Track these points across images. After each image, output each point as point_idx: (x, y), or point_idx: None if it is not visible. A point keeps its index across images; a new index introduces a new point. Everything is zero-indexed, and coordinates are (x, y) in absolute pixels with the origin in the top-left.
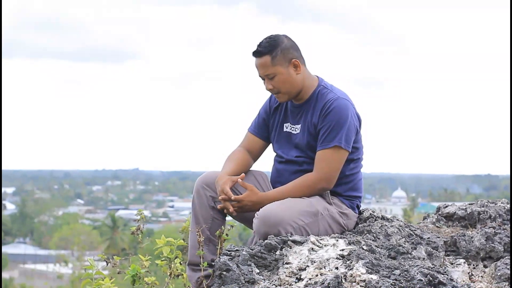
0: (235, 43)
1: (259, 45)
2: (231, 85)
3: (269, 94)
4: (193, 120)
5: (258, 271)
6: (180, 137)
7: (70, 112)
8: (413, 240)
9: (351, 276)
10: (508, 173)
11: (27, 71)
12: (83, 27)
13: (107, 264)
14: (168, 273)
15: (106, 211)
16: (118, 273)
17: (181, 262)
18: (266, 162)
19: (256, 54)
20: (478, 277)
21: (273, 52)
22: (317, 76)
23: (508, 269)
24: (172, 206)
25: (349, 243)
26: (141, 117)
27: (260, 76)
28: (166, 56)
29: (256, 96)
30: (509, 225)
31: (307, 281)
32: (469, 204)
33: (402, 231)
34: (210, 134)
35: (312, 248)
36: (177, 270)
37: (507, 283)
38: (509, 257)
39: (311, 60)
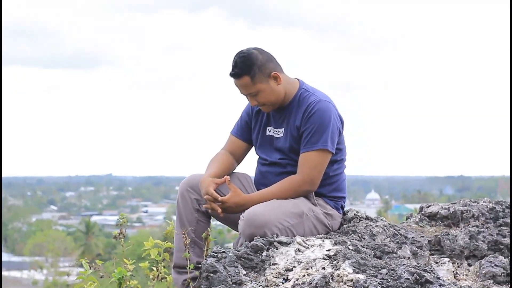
0: (207, 48)
1: (234, 66)
2: (205, 90)
3: None
4: (166, 125)
5: (245, 272)
6: (153, 142)
7: (42, 118)
8: (398, 240)
9: (338, 276)
10: (481, 174)
11: None
12: (54, 33)
13: (90, 268)
14: (155, 276)
15: (79, 217)
16: (101, 277)
17: (164, 266)
18: (249, 164)
19: (234, 76)
20: (463, 275)
21: (251, 71)
22: (297, 79)
23: (492, 267)
24: (146, 211)
25: (335, 243)
26: (114, 123)
27: (242, 93)
28: (138, 62)
29: (229, 100)
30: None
31: (294, 281)
32: (452, 204)
33: (387, 231)
34: (183, 139)
35: (298, 249)
36: (160, 273)
37: (491, 281)
38: (493, 255)
39: (285, 65)
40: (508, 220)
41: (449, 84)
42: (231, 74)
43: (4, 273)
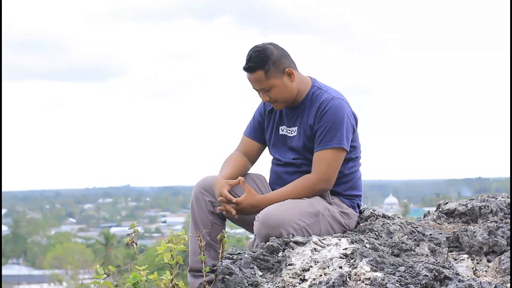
0: (219, 55)
1: (249, 60)
2: (218, 97)
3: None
4: (182, 134)
5: (261, 273)
6: (170, 152)
7: (58, 131)
8: (415, 237)
9: (355, 275)
10: (499, 175)
11: (11, 92)
12: (65, 46)
13: (108, 276)
14: (168, 283)
15: (98, 229)
16: (116, 286)
17: (176, 274)
18: (264, 165)
19: (248, 69)
20: (482, 271)
21: (265, 66)
22: (310, 77)
23: None
24: (165, 222)
25: (352, 242)
26: (130, 134)
27: (254, 89)
28: (152, 72)
29: (243, 106)
30: (510, 226)
31: (311, 281)
32: (470, 200)
33: (404, 228)
34: (200, 147)
35: (314, 249)
36: (172, 281)
37: None
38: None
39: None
40: None
41: (466, 86)
42: (245, 68)
43: (24, 286)
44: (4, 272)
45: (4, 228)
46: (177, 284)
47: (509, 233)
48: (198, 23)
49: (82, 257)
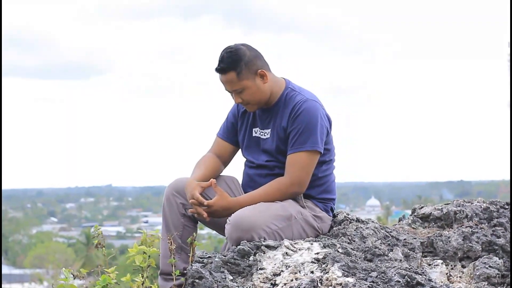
0: (203, 54)
1: (221, 61)
2: (203, 97)
3: None
4: (164, 133)
5: (231, 277)
6: (152, 152)
7: (40, 130)
8: (389, 242)
9: (327, 280)
10: (481, 178)
11: None
12: (50, 43)
13: (74, 279)
14: (140, 285)
15: (80, 228)
16: None
17: (147, 276)
18: (238, 167)
19: (220, 71)
20: (457, 277)
21: (237, 67)
22: (284, 79)
23: (486, 268)
24: (147, 222)
25: (324, 246)
26: (112, 133)
27: (227, 90)
28: (135, 70)
29: (229, 107)
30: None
31: (282, 286)
32: (445, 204)
33: (378, 233)
34: (183, 147)
35: (286, 253)
36: (143, 284)
37: (486, 283)
38: (488, 256)
39: (280, 70)
40: (503, 220)
41: (448, 88)
42: (217, 69)
43: (5, 286)
44: None
45: None
46: (150, 287)
47: (484, 239)
48: (183, 21)
49: (63, 257)
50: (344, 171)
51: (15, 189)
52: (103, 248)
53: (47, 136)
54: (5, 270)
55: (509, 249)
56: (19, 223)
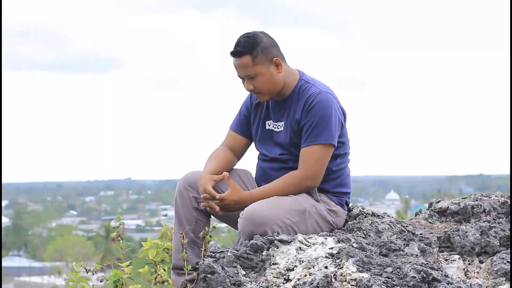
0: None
1: (237, 45)
2: (220, 90)
3: None
4: (184, 127)
5: (244, 272)
6: (172, 145)
7: (60, 123)
8: (405, 237)
9: (341, 275)
10: (501, 172)
11: (11, 83)
12: (64, 37)
13: (87, 273)
14: (154, 278)
15: (99, 221)
16: (101, 281)
17: (165, 269)
18: (251, 160)
19: (235, 54)
20: (474, 272)
21: (253, 51)
22: (298, 70)
23: (504, 263)
24: (166, 215)
25: (339, 241)
26: (132, 126)
27: (239, 76)
28: (151, 64)
29: (241, 95)
30: (510, 222)
31: (296, 281)
32: (462, 199)
33: (394, 227)
34: (201, 140)
35: (299, 248)
36: (161, 277)
37: (504, 278)
38: (506, 251)
39: (296, 64)
40: None
41: (470, 82)
42: (232, 52)
43: (25, 278)
44: (4, 263)
45: (5, 219)
46: (167, 280)
47: (502, 234)
48: (198, 15)
49: (83, 250)
50: (364, 165)
51: (35, 182)
52: (120, 241)
53: (66, 129)
54: (25, 263)
55: None
56: (39, 216)
